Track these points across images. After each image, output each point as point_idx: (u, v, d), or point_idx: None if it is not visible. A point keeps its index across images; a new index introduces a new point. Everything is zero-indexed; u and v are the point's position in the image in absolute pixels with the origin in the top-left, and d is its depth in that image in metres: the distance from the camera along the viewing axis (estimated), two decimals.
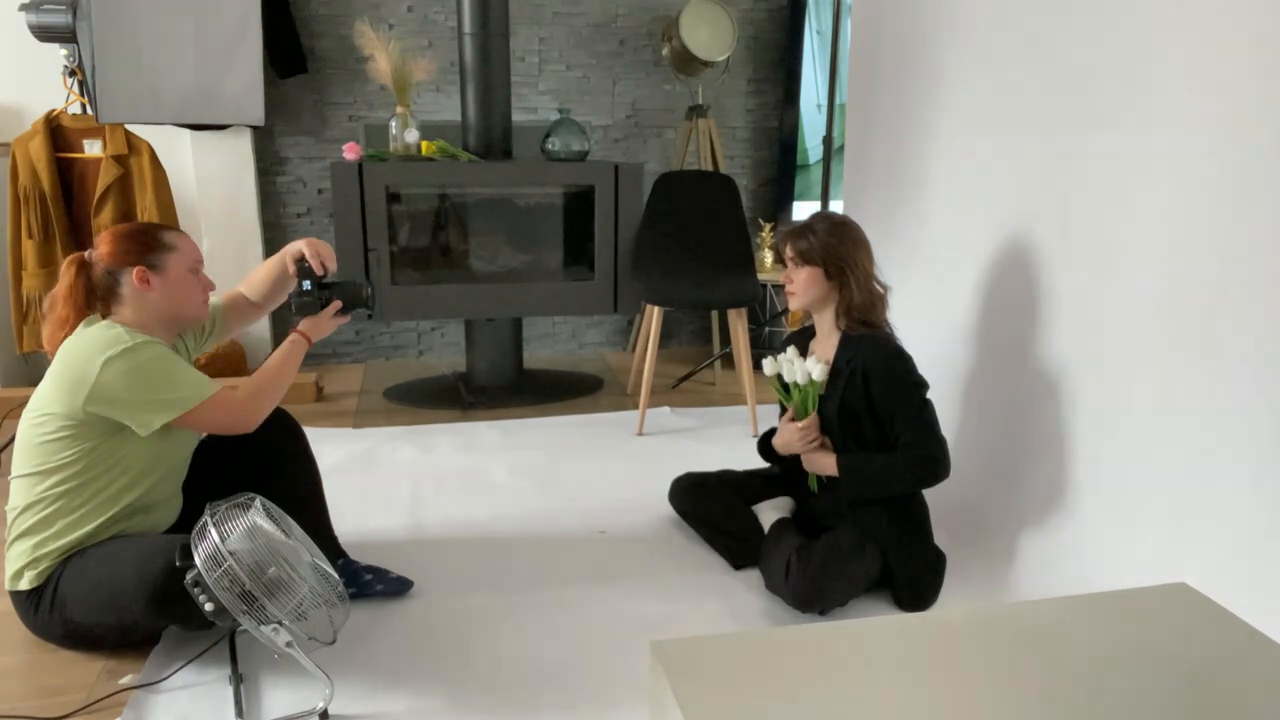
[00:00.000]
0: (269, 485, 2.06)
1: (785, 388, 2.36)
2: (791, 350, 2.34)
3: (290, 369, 2.10)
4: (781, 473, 2.51)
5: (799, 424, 2.30)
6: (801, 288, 2.28)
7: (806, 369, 2.27)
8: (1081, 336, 2.27)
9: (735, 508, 2.47)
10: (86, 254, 1.99)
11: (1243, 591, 1.75)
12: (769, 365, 2.37)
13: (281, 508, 1.90)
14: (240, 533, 1.73)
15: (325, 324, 2.18)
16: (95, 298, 1.97)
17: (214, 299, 2.20)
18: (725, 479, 2.58)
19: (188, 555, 1.74)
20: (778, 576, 2.16)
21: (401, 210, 3.65)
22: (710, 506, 2.51)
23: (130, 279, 1.95)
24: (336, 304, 2.19)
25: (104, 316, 1.97)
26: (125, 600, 1.85)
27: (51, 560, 1.92)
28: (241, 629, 1.80)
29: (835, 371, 2.26)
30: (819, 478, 2.35)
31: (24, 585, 1.94)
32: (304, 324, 2.16)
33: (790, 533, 2.28)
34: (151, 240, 1.99)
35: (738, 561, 2.39)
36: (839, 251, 2.23)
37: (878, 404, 2.22)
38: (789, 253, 2.29)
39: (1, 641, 2.02)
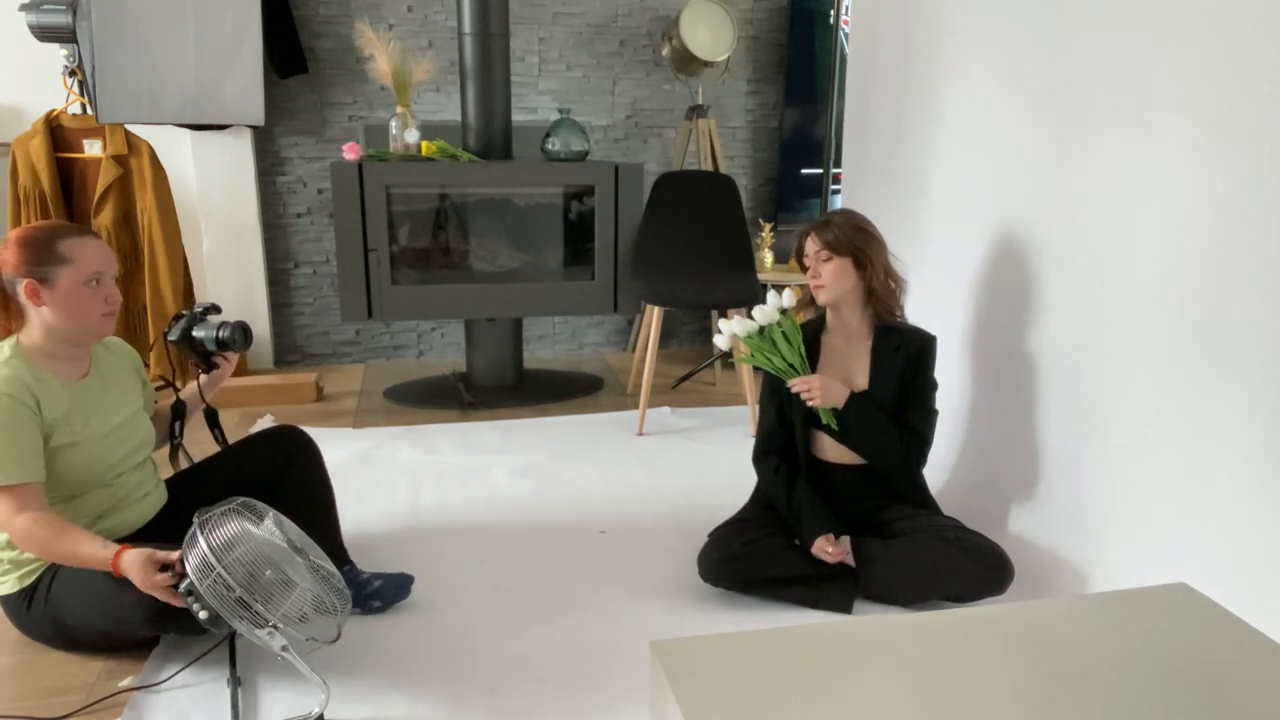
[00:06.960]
0: (279, 497, 2.07)
1: (762, 357, 2.30)
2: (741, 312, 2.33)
3: (73, 561, 1.82)
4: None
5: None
6: (831, 279, 2.22)
7: (774, 305, 2.26)
8: (1081, 337, 2.26)
9: (790, 547, 2.22)
10: None
11: (1243, 591, 1.75)
12: (733, 327, 2.30)
13: (294, 519, 1.90)
14: (229, 538, 1.71)
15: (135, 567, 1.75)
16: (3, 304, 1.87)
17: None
18: (753, 524, 2.29)
19: (180, 566, 1.73)
20: (963, 572, 2.10)
21: (401, 210, 3.65)
22: (768, 562, 2.19)
23: (21, 291, 1.84)
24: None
25: (13, 331, 1.88)
26: (122, 611, 1.82)
27: (35, 563, 1.92)
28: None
29: (884, 357, 2.26)
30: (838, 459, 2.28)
31: (9, 589, 1.93)
32: (129, 558, 1.76)
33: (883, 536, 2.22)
34: (45, 251, 1.83)
35: (840, 603, 2.14)
36: (862, 241, 2.22)
37: (910, 384, 2.25)
38: (814, 246, 2.24)
39: (2, 642, 2.02)
